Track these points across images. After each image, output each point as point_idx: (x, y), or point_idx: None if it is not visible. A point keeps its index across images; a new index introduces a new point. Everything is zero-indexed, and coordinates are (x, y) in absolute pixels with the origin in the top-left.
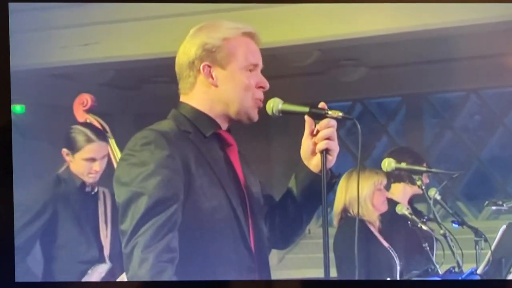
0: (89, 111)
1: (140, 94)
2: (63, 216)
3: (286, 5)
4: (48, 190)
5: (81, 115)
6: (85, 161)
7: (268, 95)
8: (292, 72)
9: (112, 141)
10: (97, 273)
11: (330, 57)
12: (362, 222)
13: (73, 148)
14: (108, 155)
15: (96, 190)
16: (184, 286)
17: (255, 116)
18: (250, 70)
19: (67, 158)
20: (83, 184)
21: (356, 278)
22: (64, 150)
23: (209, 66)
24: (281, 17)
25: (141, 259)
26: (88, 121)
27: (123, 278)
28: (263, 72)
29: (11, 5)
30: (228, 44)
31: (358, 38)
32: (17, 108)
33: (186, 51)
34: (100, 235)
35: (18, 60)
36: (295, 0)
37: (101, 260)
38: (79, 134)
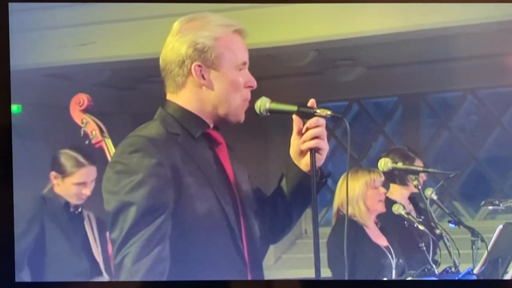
0: (85, 110)
1: (136, 94)
2: (50, 234)
3: (283, 5)
4: (32, 210)
5: (77, 115)
6: (76, 186)
7: (264, 95)
8: (289, 72)
9: (108, 141)
10: None
11: (326, 57)
12: (354, 222)
13: (63, 172)
14: (97, 178)
15: (79, 210)
16: (184, 286)
17: (242, 117)
18: (240, 69)
19: (55, 181)
20: (67, 203)
21: (346, 278)
22: (53, 173)
23: (200, 66)
24: (278, 17)
25: (132, 272)
26: (84, 120)
27: None
28: (259, 72)
29: (10, 5)
30: (219, 44)
31: (355, 38)
32: (13, 108)
33: (175, 49)
34: (94, 253)
35: (15, 60)
36: (292, 0)
37: (98, 274)
38: (69, 158)
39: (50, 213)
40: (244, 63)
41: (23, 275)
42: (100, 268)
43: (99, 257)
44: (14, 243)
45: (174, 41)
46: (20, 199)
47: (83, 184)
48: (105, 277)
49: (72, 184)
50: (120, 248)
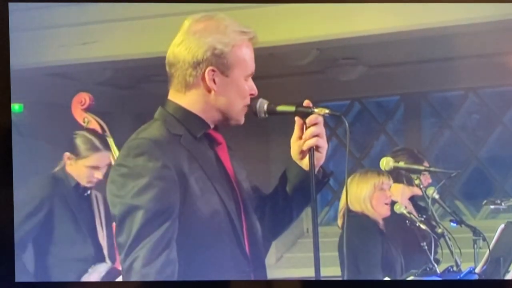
0: (87, 110)
1: (138, 93)
2: (60, 214)
3: (284, 5)
4: (44, 188)
5: (79, 114)
6: (88, 168)
7: (265, 94)
8: (291, 71)
9: (110, 140)
10: (97, 273)
11: (328, 56)
12: (366, 217)
13: (77, 153)
14: (110, 163)
15: (89, 192)
16: (184, 286)
17: (242, 120)
18: (246, 79)
19: (68, 161)
20: (78, 184)
21: (345, 277)
22: (67, 154)
23: (214, 71)
24: (280, 17)
25: (142, 275)
26: (86, 119)
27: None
28: (261, 71)
29: (10, 4)
30: (236, 52)
31: (356, 37)
32: (15, 107)
33: (192, 49)
34: (98, 237)
35: (16, 59)
36: (294, 0)
37: (101, 259)
38: (85, 141)
39: (60, 194)
40: (252, 74)
41: (26, 256)
42: (104, 253)
43: (103, 242)
44: (14, 243)
45: (191, 41)
46: (30, 180)
47: (96, 168)
48: (108, 263)
49: (85, 167)
50: (129, 253)
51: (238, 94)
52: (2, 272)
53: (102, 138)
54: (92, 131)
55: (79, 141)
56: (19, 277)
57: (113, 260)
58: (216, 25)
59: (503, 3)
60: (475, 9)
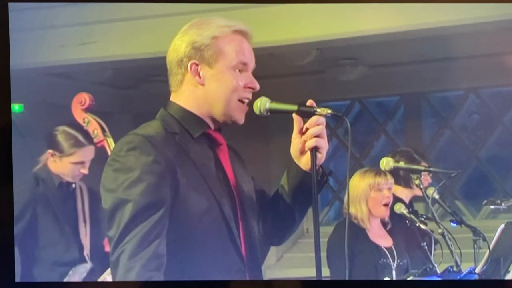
0: (87, 110)
1: (138, 93)
2: (43, 216)
3: (284, 5)
4: (27, 191)
5: (79, 114)
6: (74, 165)
7: (266, 94)
8: (291, 71)
9: (110, 140)
10: (78, 274)
11: (328, 56)
12: (356, 227)
13: (61, 151)
14: (94, 157)
15: (73, 186)
16: (184, 286)
17: (241, 119)
18: (240, 70)
19: (51, 158)
20: (62, 183)
21: (346, 278)
22: (50, 151)
23: (197, 65)
24: (280, 16)
25: (127, 268)
26: (86, 120)
27: (104, 277)
28: (261, 71)
29: (10, 5)
30: (217, 43)
31: (357, 37)
32: (15, 107)
33: (176, 48)
34: (80, 234)
35: (16, 59)
36: (294, 0)
37: (81, 260)
38: (68, 137)
39: (43, 195)
40: (244, 64)
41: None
42: (84, 254)
43: (85, 240)
44: (14, 243)
45: (176, 41)
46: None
47: (81, 163)
48: (89, 264)
49: (70, 163)
50: (117, 245)
51: (227, 85)
52: (2, 272)
53: (84, 132)
54: (74, 126)
55: (61, 138)
56: (17, 277)
57: (94, 260)
58: (201, 22)
59: (503, 3)
60: (475, 9)
